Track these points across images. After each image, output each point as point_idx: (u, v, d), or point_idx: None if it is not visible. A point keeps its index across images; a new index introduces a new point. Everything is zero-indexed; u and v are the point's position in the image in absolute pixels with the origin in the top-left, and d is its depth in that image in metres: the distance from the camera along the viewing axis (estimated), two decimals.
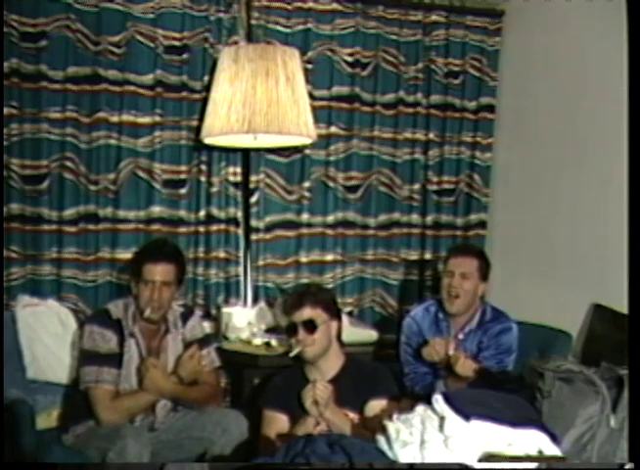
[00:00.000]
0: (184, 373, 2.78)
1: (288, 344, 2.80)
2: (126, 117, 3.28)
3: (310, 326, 2.66)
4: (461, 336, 3.03)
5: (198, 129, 3.34)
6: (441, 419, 2.15)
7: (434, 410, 2.18)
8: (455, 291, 3.00)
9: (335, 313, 2.78)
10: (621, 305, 2.80)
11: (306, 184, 3.59)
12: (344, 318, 3.36)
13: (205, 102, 3.30)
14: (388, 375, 2.78)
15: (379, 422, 2.43)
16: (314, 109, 3.35)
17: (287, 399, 2.67)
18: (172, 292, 2.84)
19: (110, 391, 2.71)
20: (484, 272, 3.06)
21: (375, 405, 2.66)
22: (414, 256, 3.80)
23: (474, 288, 3.02)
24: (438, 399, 2.18)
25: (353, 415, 2.65)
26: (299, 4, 3.51)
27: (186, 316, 2.94)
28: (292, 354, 2.69)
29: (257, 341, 3.20)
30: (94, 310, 3.09)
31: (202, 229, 3.44)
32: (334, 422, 2.57)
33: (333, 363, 2.74)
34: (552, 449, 2.16)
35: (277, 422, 2.67)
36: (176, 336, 2.89)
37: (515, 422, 2.16)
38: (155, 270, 2.78)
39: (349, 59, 3.61)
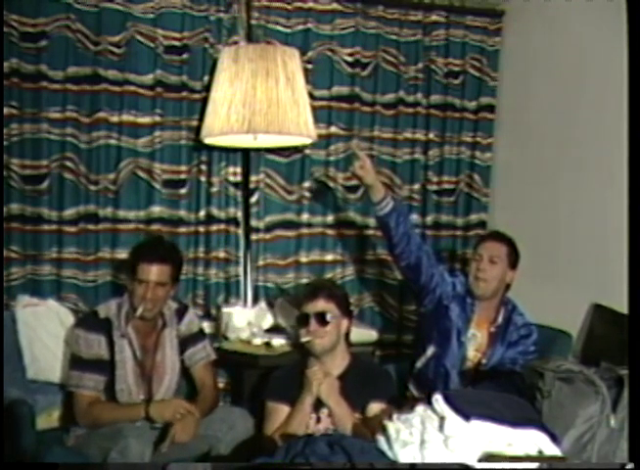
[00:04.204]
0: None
1: (296, 335, 2.79)
2: (126, 117, 3.28)
3: (322, 318, 2.67)
4: (493, 329, 3.03)
5: (198, 129, 3.33)
6: (441, 419, 2.15)
7: (434, 410, 2.18)
8: (483, 274, 3.01)
9: (346, 312, 2.79)
10: (621, 306, 2.80)
11: (306, 184, 3.59)
12: None
13: (205, 102, 3.30)
14: (391, 379, 2.79)
15: (378, 423, 2.44)
16: (314, 109, 3.35)
17: (289, 391, 2.68)
18: (167, 291, 2.84)
19: (88, 396, 2.73)
20: (513, 260, 3.06)
21: (374, 407, 2.67)
22: None
23: (501, 273, 3.03)
24: (438, 399, 2.18)
25: (356, 415, 2.66)
26: (299, 4, 3.51)
27: (181, 313, 2.95)
28: (303, 340, 2.68)
29: (257, 341, 3.20)
30: (84, 313, 3.09)
31: (202, 229, 3.44)
32: (337, 413, 2.57)
33: (339, 362, 2.74)
34: (552, 449, 2.16)
35: (280, 413, 2.67)
36: (172, 331, 2.89)
37: (515, 422, 2.16)
38: (149, 270, 2.77)
39: (349, 59, 3.61)
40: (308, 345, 2.70)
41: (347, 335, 2.80)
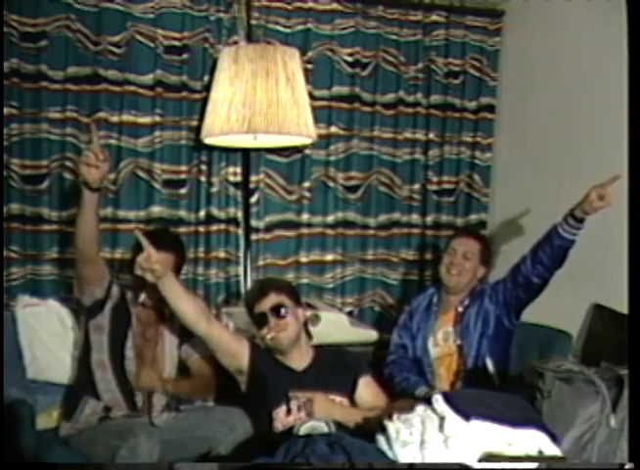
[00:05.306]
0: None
1: (258, 336, 2.78)
2: (126, 117, 3.28)
3: (280, 311, 2.66)
4: (460, 309, 3.07)
5: (198, 129, 3.34)
6: (441, 419, 2.15)
7: (434, 410, 2.18)
8: (456, 268, 3.07)
9: (299, 301, 2.78)
10: (621, 306, 2.80)
11: (306, 184, 3.59)
12: (344, 318, 3.38)
13: (205, 102, 3.30)
14: (360, 355, 2.81)
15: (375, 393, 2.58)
16: (314, 109, 3.34)
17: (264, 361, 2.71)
18: None
19: None
20: (485, 257, 3.15)
21: (363, 382, 2.71)
22: (414, 256, 3.81)
23: (473, 269, 3.09)
24: (438, 400, 2.19)
25: (341, 399, 2.65)
26: (299, 4, 3.51)
27: None
28: (268, 337, 2.66)
29: (257, 341, 3.19)
30: None
31: (202, 229, 3.44)
32: (322, 414, 2.56)
33: (305, 352, 2.73)
34: (552, 449, 2.16)
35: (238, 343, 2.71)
36: (173, 323, 2.87)
37: (515, 422, 2.16)
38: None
39: (349, 59, 3.61)
40: (274, 341, 2.68)
41: (306, 325, 2.80)
